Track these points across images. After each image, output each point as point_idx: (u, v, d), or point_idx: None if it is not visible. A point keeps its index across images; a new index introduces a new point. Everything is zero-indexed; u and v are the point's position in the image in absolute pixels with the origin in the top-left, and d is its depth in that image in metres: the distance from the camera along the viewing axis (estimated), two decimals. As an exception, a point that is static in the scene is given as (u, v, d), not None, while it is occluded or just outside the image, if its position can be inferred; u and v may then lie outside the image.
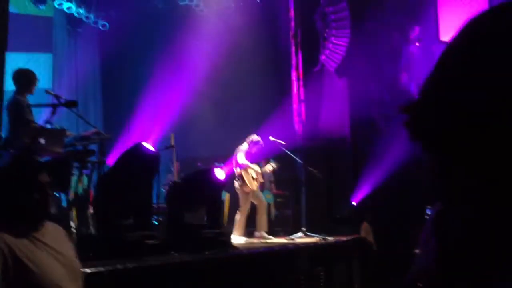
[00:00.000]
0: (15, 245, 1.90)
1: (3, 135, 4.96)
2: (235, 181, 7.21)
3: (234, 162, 7.23)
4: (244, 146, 7.34)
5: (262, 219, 7.23)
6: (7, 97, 5.07)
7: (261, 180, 7.47)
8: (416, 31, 10.40)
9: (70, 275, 2.07)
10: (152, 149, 4.97)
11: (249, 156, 7.32)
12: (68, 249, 2.18)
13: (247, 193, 7.20)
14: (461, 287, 0.76)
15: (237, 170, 7.17)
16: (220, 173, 5.10)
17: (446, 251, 0.80)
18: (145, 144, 4.89)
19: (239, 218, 7.13)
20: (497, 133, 0.54)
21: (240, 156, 7.19)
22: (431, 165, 0.63)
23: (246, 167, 7.14)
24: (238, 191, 7.24)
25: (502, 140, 0.54)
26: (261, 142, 7.38)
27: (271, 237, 7.15)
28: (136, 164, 4.61)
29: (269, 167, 7.72)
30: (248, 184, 7.11)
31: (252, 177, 7.23)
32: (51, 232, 2.11)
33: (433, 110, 0.59)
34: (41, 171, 2.10)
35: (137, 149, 4.73)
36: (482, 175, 0.56)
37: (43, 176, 2.08)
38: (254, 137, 7.37)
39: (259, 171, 7.46)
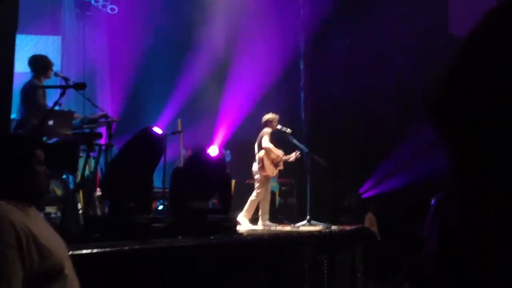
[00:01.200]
0: (30, 224, 1.90)
1: (17, 117, 5.01)
2: (254, 163, 7.17)
3: (257, 145, 7.13)
4: (267, 129, 7.19)
5: (265, 208, 7.21)
6: (18, 80, 5.12)
7: (281, 167, 7.39)
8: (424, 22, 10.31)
9: (66, 251, 2.10)
10: (160, 131, 5.00)
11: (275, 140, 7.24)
12: (51, 228, 2.18)
13: (264, 178, 7.11)
14: (460, 269, 0.77)
15: (259, 154, 7.09)
16: (213, 150, 5.09)
17: (447, 235, 0.80)
18: (155, 128, 4.92)
19: (253, 200, 7.06)
20: None
21: (265, 140, 7.04)
22: (450, 153, 0.63)
23: (269, 151, 7.07)
24: (256, 175, 7.14)
25: None
26: (276, 118, 7.26)
27: (274, 224, 7.16)
28: (143, 148, 4.64)
29: (293, 155, 7.59)
30: (267, 169, 7.05)
31: (273, 163, 7.17)
32: (37, 214, 2.11)
33: (459, 98, 0.59)
34: (37, 146, 2.10)
35: (145, 133, 4.76)
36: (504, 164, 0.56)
37: (39, 152, 2.07)
38: (268, 116, 7.29)
39: (283, 158, 7.36)
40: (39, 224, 2.00)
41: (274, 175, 7.29)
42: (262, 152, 7.03)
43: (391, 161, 9.92)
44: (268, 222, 7.08)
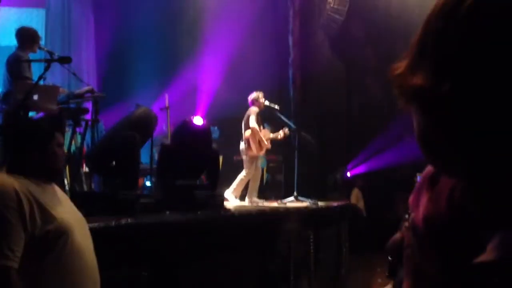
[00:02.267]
0: (34, 190, 2.04)
1: (4, 90, 4.94)
2: (241, 142, 7.16)
3: (244, 124, 7.11)
4: (254, 108, 7.16)
5: (254, 185, 7.24)
6: (4, 52, 5.04)
7: (268, 146, 7.39)
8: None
9: (80, 222, 2.24)
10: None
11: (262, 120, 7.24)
12: (72, 204, 2.32)
13: (251, 157, 7.11)
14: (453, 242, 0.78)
15: (245, 134, 7.07)
16: (198, 120, 5.07)
17: (437, 211, 0.81)
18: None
19: (242, 179, 7.08)
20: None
21: (252, 119, 7.00)
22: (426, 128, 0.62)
23: (255, 131, 7.06)
24: (243, 154, 7.15)
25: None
26: (262, 97, 7.23)
27: (262, 200, 7.21)
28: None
29: (281, 133, 7.59)
30: (253, 149, 7.04)
31: (259, 142, 7.17)
32: (57, 190, 2.25)
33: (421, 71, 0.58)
34: (58, 130, 2.28)
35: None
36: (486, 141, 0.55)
37: (59, 135, 2.25)
38: (254, 95, 7.25)
39: (269, 136, 7.34)
40: (53, 197, 2.13)
41: (260, 154, 7.29)
42: (248, 132, 7.00)
43: (380, 138, 9.99)
44: (255, 199, 7.12)
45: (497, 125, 0.50)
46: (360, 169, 10.29)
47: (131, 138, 4.16)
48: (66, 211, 2.14)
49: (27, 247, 1.92)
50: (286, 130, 7.58)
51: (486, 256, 0.52)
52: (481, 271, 0.50)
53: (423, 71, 0.56)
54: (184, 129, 4.90)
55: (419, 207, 0.85)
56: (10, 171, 2.10)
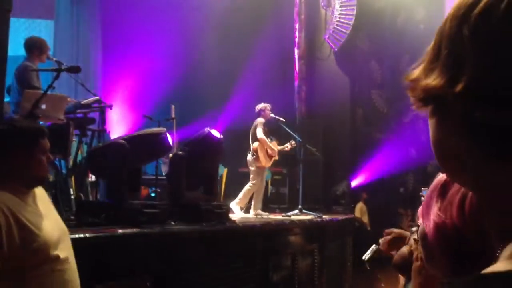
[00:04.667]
0: (16, 208, 1.94)
1: (13, 100, 4.97)
2: (248, 154, 7.18)
3: (251, 135, 7.11)
4: (260, 119, 7.16)
5: (259, 198, 7.23)
6: (9, 63, 5.07)
7: (276, 157, 7.38)
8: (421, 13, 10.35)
9: (63, 235, 2.12)
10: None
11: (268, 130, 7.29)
12: (55, 212, 2.22)
13: (259, 168, 7.10)
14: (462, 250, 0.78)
15: (253, 145, 7.07)
16: (215, 133, 5.10)
17: (447, 219, 0.81)
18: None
19: (248, 189, 7.06)
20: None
21: (259, 131, 7.01)
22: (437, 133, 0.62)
23: (264, 142, 7.04)
24: (250, 165, 7.13)
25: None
26: (268, 108, 7.26)
27: (266, 213, 7.18)
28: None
29: (288, 145, 7.60)
30: (261, 160, 7.03)
31: (267, 153, 7.19)
32: (39, 193, 2.14)
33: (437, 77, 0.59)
34: (42, 136, 2.14)
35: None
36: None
37: (44, 142, 2.12)
38: (261, 106, 7.28)
39: (276, 149, 7.34)
40: (35, 211, 2.02)
41: (268, 165, 7.29)
42: (256, 143, 7.01)
43: (383, 150, 9.99)
44: (260, 211, 7.09)
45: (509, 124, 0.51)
46: (364, 181, 10.26)
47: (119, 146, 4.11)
48: (49, 225, 2.04)
49: (6, 265, 1.85)
50: (293, 142, 7.59)
51: (497, 266, 0.52)
52: (492, 281, 0.50)
53: (436, 72, 0.57)
54: (204, 140, 4.92)
55: (429, 216, 0.85)
56: None
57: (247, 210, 7.23)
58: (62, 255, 2.01)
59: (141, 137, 4.54)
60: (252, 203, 7.16)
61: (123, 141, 4.07)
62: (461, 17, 0.55)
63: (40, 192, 2.14)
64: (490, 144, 0.52)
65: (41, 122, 4.54)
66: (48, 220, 2.05)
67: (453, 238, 0.80)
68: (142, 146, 4.28)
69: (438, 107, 0.59)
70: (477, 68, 0.52)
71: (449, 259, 0.82)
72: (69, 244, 2.14)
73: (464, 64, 0.54)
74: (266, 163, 7.11)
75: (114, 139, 5.08)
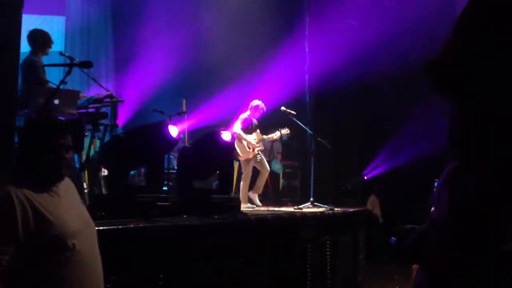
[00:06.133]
0: (34, 197, 1.99)
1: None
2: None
3: (230, 130, 7.23)
4: (246, 113, 7.33)
5: (259, 183, 7.35)
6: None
7: (260, 148, 7.45)
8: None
9: (85, 227, 2.17)
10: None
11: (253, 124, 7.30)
12: (80, 203, 2.29)
13: (245, 160, 7.26)
14: (469, 236, 0.79)
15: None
16: (226, 135, 5.11)
17: (460, 205, 0.82)
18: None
19: (241, 184, 7.25)
20: None
21: (236, 125, 7.22)
22: (454, 117, 0.63)
23: (239, 136, 7.14)
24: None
25: None
26: (262, 106, 7.34)
27: (259, 204, 7.24)
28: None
29: (277, 133, 7.65)
30: (240, 153, 7.16)
31: (248, 147, 7.24)
32: (64, 185, 2.19)
33: (460, 64, 0.60)
34: (64, 133, 2.17)
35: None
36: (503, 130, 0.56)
37: (66, 139, 2.15)
38: (255, 102, 7.35)
39: (254, 140, 7.39)
40: (56, 203, 2.07)
41: (252, 156, 7.33)
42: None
43: (395, 142, 9.94)
44: (255, 198, 7.18)
45: None
46: (376, 173, 10.23)
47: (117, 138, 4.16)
48: (69, 216, 2.08)
49: (21, 252, 1.90)
50: (284, 130, 7.62)
51: None
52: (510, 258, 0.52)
53: (453, 53, 0.59)
54: (210, 140, 4.94)
55: (440, 201, 0.86)
56: (17, 175, 2.09)
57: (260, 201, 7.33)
58: (80, 246, 2.05)
59: (142, 129, 4.57)
60: (253, 187, 7.27)
61: (122, 134, 4.12)
62: (474, 10, 0.57)
63: (66, 185, 2.19)
64: None
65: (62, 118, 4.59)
66: (70, 211, 2.10)
67: (467, 219, 0.81)
68: (143, 138, 4.31)
69: (453, 82, 0.60)
70: (489, 51, 0.54)
71: (462, 241, 0.83)
72: (92, 237, 2.19)
73: (478, 47, 0.55)
74: (248, 154, 7.20)
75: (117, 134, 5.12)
